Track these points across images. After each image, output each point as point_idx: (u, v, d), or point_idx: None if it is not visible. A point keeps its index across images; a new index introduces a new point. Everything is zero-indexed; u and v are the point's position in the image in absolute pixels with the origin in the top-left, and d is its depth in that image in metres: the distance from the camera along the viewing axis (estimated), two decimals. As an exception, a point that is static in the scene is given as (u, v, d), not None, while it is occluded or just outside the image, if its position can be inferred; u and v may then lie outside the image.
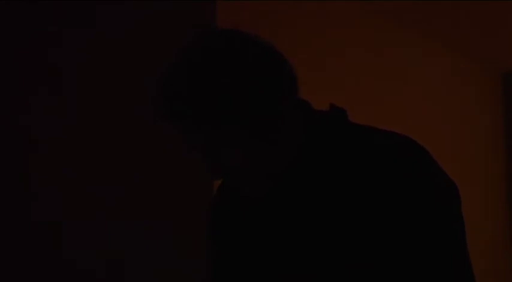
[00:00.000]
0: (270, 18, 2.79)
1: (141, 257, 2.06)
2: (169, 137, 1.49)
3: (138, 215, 2.07)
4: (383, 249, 0.96)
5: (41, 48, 1.90)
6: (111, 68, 2.06)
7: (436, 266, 0.96)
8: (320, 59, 3.10)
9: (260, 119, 0.96)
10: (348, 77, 3.28)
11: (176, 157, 2.06)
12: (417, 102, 3.77)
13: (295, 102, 1.03)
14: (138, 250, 2.06)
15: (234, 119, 0.95)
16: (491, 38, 3.96)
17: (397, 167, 0.97)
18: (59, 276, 1.86)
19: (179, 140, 1.03)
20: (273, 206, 1.04)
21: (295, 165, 1.02)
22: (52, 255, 1.86)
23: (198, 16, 2.34)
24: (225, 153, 0.98)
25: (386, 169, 0.97)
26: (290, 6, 2.94)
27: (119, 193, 2.03)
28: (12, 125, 1.83)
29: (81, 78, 1.99)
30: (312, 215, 1.00)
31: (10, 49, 1.84)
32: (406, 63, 3.74)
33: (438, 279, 0.95)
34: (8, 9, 1.85)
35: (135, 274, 2.05)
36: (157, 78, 0.99)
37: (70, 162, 1.93)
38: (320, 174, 1.01)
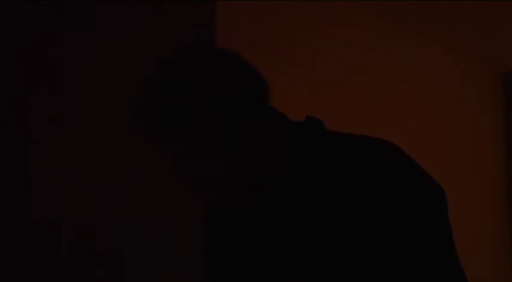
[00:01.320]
0: (270, 18, 2.79)
1: (141, 257, 2.06)
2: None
3: (138, 215, 2.07)
4: (372, 251, 0.97)
5: (41, 48, 1.91)
6: (111, 68, 2.06)
7: (425, 267, 0.96)
8: (320, 59, 3.10)
9: (235, 130, 0.98)
10: (347, 77, 3.28)
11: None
12: (417, 102, 3.77)
13: (273, 112, 1.04)
14: (138, 250, 2.06)
15: (211, 131, 0.97)
16: (491, 38, 3.96)
17: (382, 172, 0.98)
18: (59, 276, 1.87)
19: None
20: (270, 209, 1.05)
21: (288, 170, 1.03)
22: (52, 255, 1.86)
23: (198, 16, 2.34)
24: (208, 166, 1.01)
25: (372, 173, 0.98)
26: (290, 6, 2.94)
27: (118, 193, 2.03)
28: (12, 125, 1.83)
29: (81, 78, 1.99)
30: (307, 218, 1.01)
31: (10, 49, 1.84)
32: (406, 63, 3.74)
33: (428, 279, 0.96)
34: (8, 9, 1.85)
35: (135, 274, 2.05)
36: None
37: (70, 162, 1.93)
38: (312, 181, 1.02)
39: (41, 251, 1.84)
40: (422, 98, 3.83)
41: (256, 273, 1.05)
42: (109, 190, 2.01)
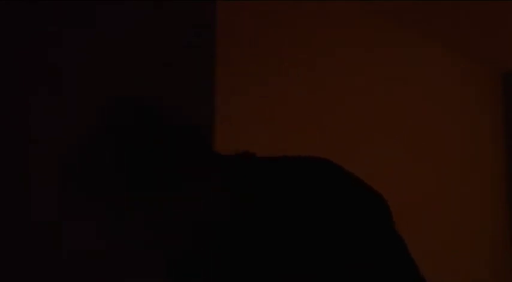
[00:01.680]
0: (270, 18, 2.79)
1: (141, 257, 2.06)
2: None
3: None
4: (324, 268, 0.98)
5: (41, 48, 1.91)
6: (111, 68, 2.06)
7: (378, 277, 0.97)
8: (320, 58, 3.10)
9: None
10: (347, 77, 3.28)
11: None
12: (417, 102, 3.77)
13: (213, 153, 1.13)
14: (138, 250, 2.05)
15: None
16: (491, 38, 3.96)
17: (327, 190, 1.00)
18: (59, 276, 1.87)
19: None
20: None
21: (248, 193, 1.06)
22: (52, 255, 1.86)
23: (198, 16, 2.34)
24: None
25: (316, 193, 1.02)
26: (290, 6, 2.94)
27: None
28: (12, 125, 1.83)
29: (81, 78, 1.99)
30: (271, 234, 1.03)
31: (10, 49, 1.84)
32: (406, 63, 3.74)
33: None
34: (8, 9, 1.85)
35: (135, 274, 2.05)
36: None
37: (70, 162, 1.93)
38: (261, 204, 1.04)
39: (41, 251, 1.84)
40: (422, 98, 3.83)
41: None
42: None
